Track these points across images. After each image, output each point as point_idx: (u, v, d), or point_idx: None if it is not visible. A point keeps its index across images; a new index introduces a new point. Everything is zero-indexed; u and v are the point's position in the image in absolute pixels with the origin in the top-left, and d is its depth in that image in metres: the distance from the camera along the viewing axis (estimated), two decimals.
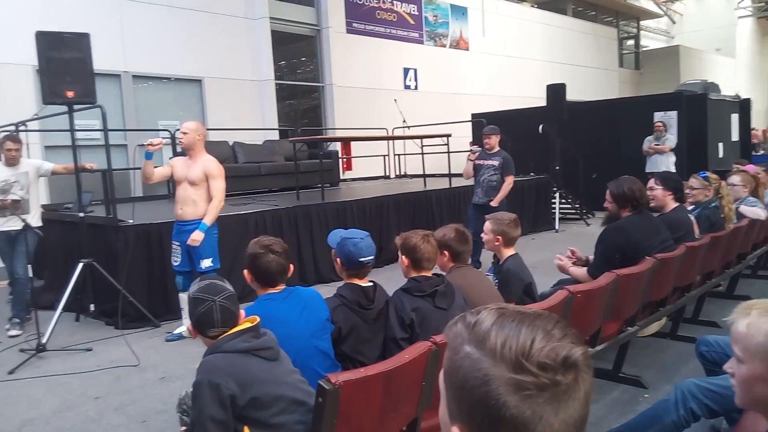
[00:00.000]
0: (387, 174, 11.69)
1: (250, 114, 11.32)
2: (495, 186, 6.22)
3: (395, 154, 11.57)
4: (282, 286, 2.52)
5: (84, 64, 4.94)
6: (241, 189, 8.30)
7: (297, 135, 10.15)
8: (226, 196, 7.67)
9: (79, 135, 8.41)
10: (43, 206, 6.02)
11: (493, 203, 6.05)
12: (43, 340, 4.40)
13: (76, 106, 5.06)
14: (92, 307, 5.13)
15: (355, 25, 13.44)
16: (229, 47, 11.14)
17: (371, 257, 2.60)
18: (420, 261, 2.67)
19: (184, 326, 4.73)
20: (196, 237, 4.43)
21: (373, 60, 13.64)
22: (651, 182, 4.08)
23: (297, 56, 13.65)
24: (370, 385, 1.97)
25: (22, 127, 6.08)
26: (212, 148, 8.61)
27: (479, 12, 16.39)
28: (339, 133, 12.10)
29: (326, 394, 1.82)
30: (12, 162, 5.15)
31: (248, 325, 2.07)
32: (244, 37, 11.41)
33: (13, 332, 4.97)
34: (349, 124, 12.10)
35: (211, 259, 4.53)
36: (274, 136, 11.00)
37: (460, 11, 16.06)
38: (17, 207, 4.95)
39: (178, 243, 4.62)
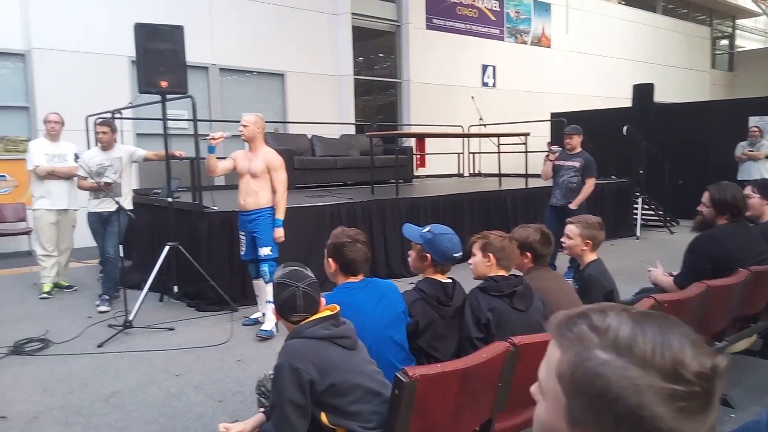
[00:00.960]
0: (461, 172, 11.59)
1: (329, 108, 11.50)
2: (575, 188, 6.04)
3: (470, 152, 11.46)
4: (361, 276, 2.55)
5: (177, 56, 5.15)
6: (317, 181, 8.47)
7: (373, 130, 10.21)
8: (302, 187, 7.96)
9: (171, 124, 8.88)
10: (134, 190, 6.35)
11: (572, 206, 5.88)
12: (130, 318, 4.65)
13: (168, 96, 5.29)
14: (175, 288, 5.38)
15: (435, 21, 13.39)
16: (311, 42, 11.36)
17: (461, 253, 2.61)
18: (505, 261, 2.64)
19: (259, 312, 4.88)
20: (279, 234, 4.58)
21: (452, 56, 13.54)
22: (747, 190, 3.84)
23: (375, 52, 13.74)
24: (446, 382, 1.97)
25: (117, 115, 6.42)
26: (291, 140, 8.87)
27: (563, 8, 15.96)
28: (414, 130, 12.10)
29: (403, 386, 1.83)
30: (106, 147, 5.47)
31: (328, 313, 2.11)
32: (326, 33, 11.60)
33: (103, 308, 5.27)
34: (425, 121, 12.08)
35: (270, 248, 4.59)
36: (351, 130, 11.14)
37: (544, 7, 15.69)
38: (110, 189, 5.24)
39: (242, 233, 4.73)
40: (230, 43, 10.26)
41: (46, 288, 5.82)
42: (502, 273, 2.66)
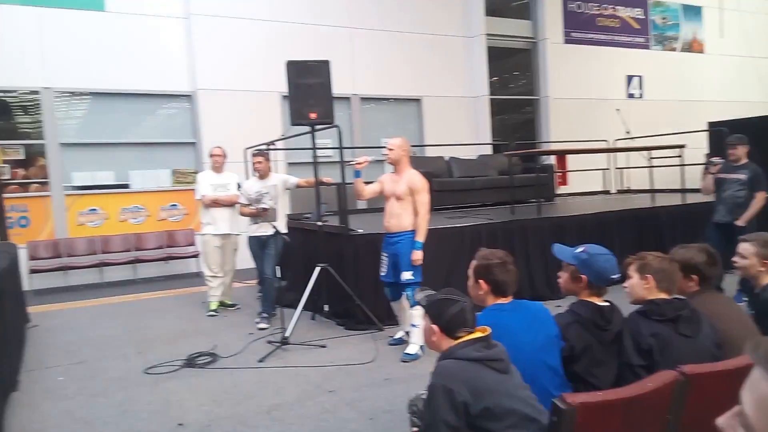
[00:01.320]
0: (607, 189, 11.03)
1: (465, 130, 11.56)
2: (742, 203, 5.51)
3: (616, 168, 10.88)
4: (510, 298, 2.53)
5: (325, 89, 5.47)
6: (455, 203, 8.50)
7: (511, 149, 10.08)
8: (441, 208, 8.03)
9: (320, 152, 9.40)
10: (287, 215, 6.80)
11: (740, 222, 5.37)
12: (287, 335, 4.96)
13: (317, 127, 5.64)
14: (326, 307, 5.65)
15: (573, 34, 13.01)
16: (446, 66, 11.55)
17: (619, 275, 2.51)
18: (666, 283, 2.49)
19: (401, 332, 4.96)
20: (416, 257, 4.56)
21: (593, 69, 13.05)
22: None
23: (511, 70, 13.61)
24: (608, 411, 1.88)
25: (271, 146, 6.94)
26: (429, 163, 9.00)
27: (716, 10, 14.75)
28: (554, 147, 11.77)
29: (561, 413, 1.78)
30: (263, 175, 5.93)
31: (480, 334, 2.10)
32: (461, 56, 11.73)
33: (262, 325, 5.67)
34: (565, 137, 11.71)
35: (411, 273, 4.59)
36: (488, 151, 11.08)
37: (693, 11, 14.63)
38: (267, 215, 5.66)
39: (385, 254, 4.81)
40: (369, 73, 10.72)
41: (213, 306, 6.38)
42: (663, 296, 2.50)
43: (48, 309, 7.05)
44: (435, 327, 2.14)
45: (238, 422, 3.56)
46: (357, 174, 4.73)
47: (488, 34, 11.78)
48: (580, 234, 6.57)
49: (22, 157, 8.63)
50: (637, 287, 2.57)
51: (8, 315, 4.40)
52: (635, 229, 7.01)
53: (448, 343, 2.13)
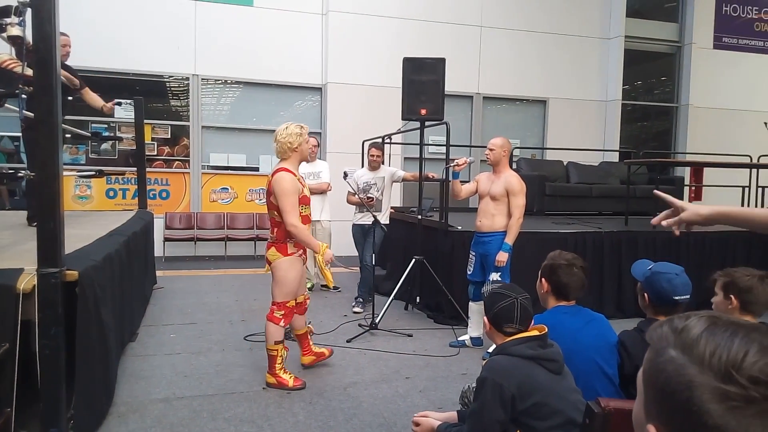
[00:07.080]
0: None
1: (592, 135, 11.17)
2: None
3: (758, 186, 9.90)
4: (573, 302, 2.51)
5: (437, 86, 5.57)
6: (568, 209, 8.25)
7: (638, 158, 9.53)
8: (552, 214, 7.83)
9: (432, 149, 9.52)
10: (394, 208, 7.01)
11: None
12: (377, 321, 5.17)
13: (427, 123, 5.76)
14: (418, 299, 5.78)
15: (725, 39, 12.02)
16: (578, 68, 11.21)
17: (686, 296, 2.34)
18: (751, 305, 2.34)
19: (467, 335, 4.96)
20: (501, 258, 4.51)
21: (743, 78, 11.99)
22: None
23: (650, 76, 12.85)
24: None
25: (387, 140, 7.17)
26: (546, 166, 8.81)
27: None
28: (690, 158, 10.96)
29: (594, 416, 1.76)
30: (375, 167, 6.16)
31: (536, 333, 2.13)
32: (595, 58, 11.31)
33: (357, 309, 5.94)
34: (702, 149, 10.87)
35: (500, 274, 4.54)
36: (614, 158, 10.58)
37: None
38: (371, 205, 5.90)
39: (474, 253, 4.80)
40: (495, 72, 10.67)
41: (308, 285, 6.74)
42: (747, 318, 2.34)
43: (176, 274, 7.84)
44: (485, 318, 2.22)
45: (315, 393, 3.81)
46: (455, 175, 4.76)
47: (627, 36, 11.23)
48: (698, 253, 6.18)
49: (168, 136, 9.63)
50: (719, 306, 2.44)
51: (135, 274, 4.99)
52: (763, 252, 6.41)
53: (501, 338, 2.17)
